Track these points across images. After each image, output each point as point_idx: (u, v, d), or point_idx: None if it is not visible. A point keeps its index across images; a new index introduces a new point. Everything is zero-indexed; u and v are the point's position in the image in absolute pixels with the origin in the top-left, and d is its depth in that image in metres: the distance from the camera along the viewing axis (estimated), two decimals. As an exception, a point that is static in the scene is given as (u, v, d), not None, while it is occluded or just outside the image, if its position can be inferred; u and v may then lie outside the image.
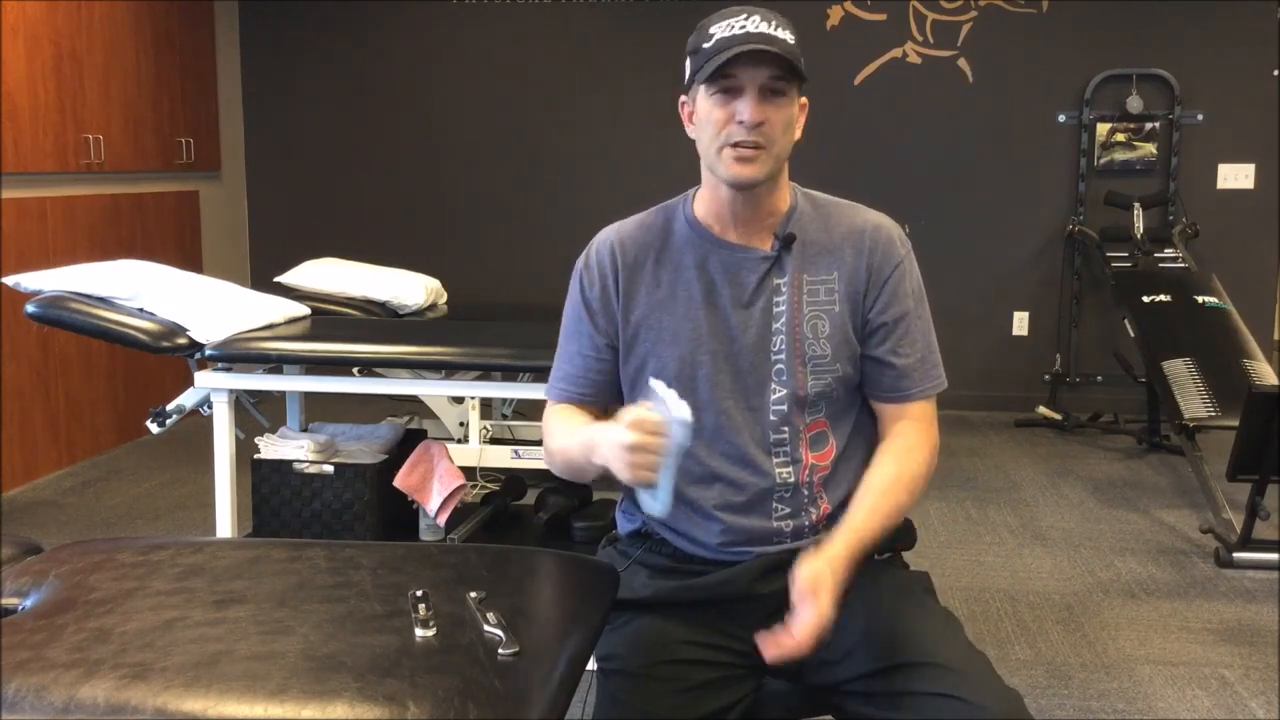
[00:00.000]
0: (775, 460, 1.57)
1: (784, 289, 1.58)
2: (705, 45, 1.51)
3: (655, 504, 1.38)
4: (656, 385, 1.39)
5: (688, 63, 1.56)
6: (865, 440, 1.64)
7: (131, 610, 1.31)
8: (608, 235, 1.66)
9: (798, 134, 1.56)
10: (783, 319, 1.58)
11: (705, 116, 1.53)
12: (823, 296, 1.58)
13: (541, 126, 5.91)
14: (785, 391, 1.57)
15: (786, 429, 1.57)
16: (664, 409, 1.34)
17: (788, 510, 1.58)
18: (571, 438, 1.57)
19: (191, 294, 2.96)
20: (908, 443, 1.58)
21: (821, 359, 1.57)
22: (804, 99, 1.56)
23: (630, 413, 1.36)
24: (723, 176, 1.54)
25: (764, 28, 1.49)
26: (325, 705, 1.10)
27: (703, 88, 1.52)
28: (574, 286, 1.66)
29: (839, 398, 1.59)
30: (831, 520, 1.61)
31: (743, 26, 1.49)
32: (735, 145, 1.50)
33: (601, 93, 5.84)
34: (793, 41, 1.51)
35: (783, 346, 1.57)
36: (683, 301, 1.60)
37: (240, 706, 1.10)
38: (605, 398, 1.67)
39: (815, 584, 1.37)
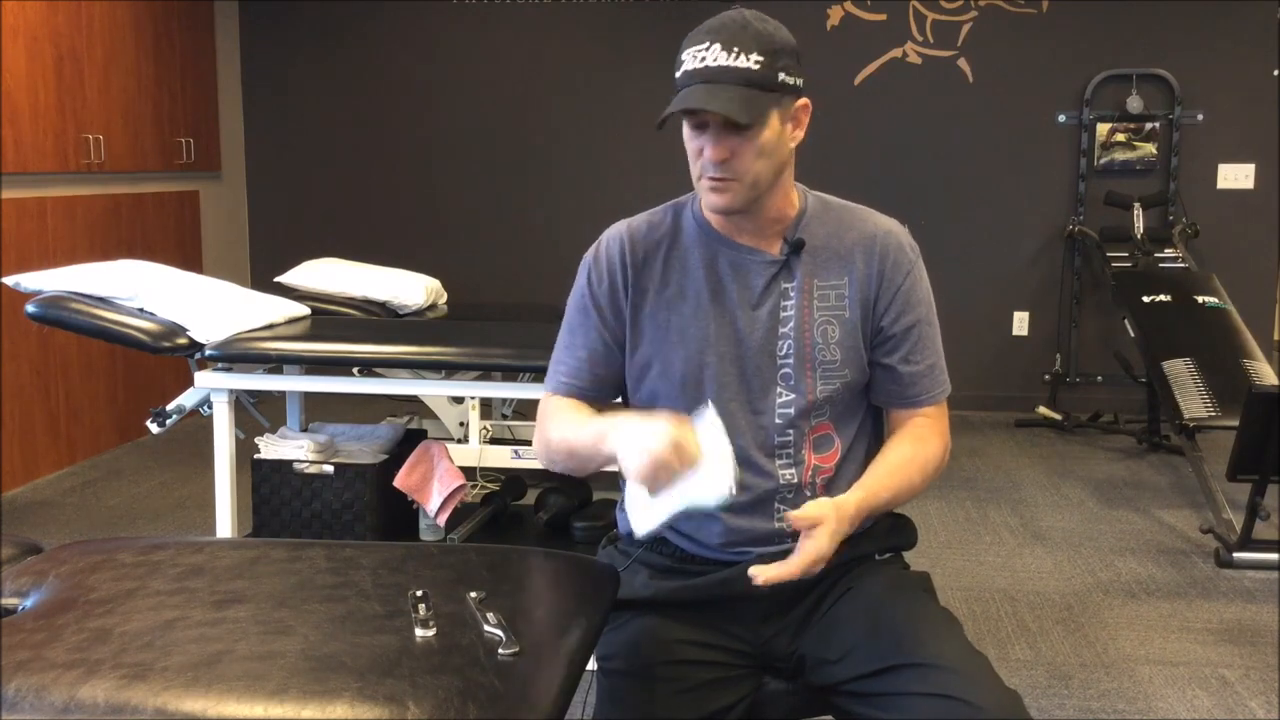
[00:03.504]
0: (779, 462, 1.57)
1: (792, 294, 1.57)
2: (677, 74, 1.50)
3: (643, 522, 1.37)
4: (714, 427, 1.38)
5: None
6: (869, 442, 1.64)
7: (131, 610, 1.31)
8: (618, 231, 1.65)
9: (800, 135, 1.54)
10: (791, 324, 1.57)
11: (686, 145, 1.53)
12: (833, 301, 1.58)
13: (541, 126, 5.91)
14: (793, 396, 1.56)
15: (791, 432, 1.57)
16: (713, 451, 1.34)
17: (789, 511, 1.58)
18: (581, 429, 1.56)
19: (191, 294, 2.96)
20: (921, 432, 1.60)
21: (831, 364, 1.57)
22: (804, 100, 1.53)
23: (677, 430, 1.35)
24: (703, 203, 1.56)
25: (722, 59, 1.45)
26: (325, 705, 1.10)
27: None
28: (581, 280, 1.65)
29: (844, 401, 1.59)
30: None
31: (702, 59, 1.46)
32: (708, 178, 1.51)
33: (601, 93, 5.84)
34: (757, 65, 1.45)
35: (790, 351, 1.57)
36: (691, 301, 1.59)
37: (240, 706, 1.10)
38: (606, 394, 1.67)
39: (819, 519, 1.40)
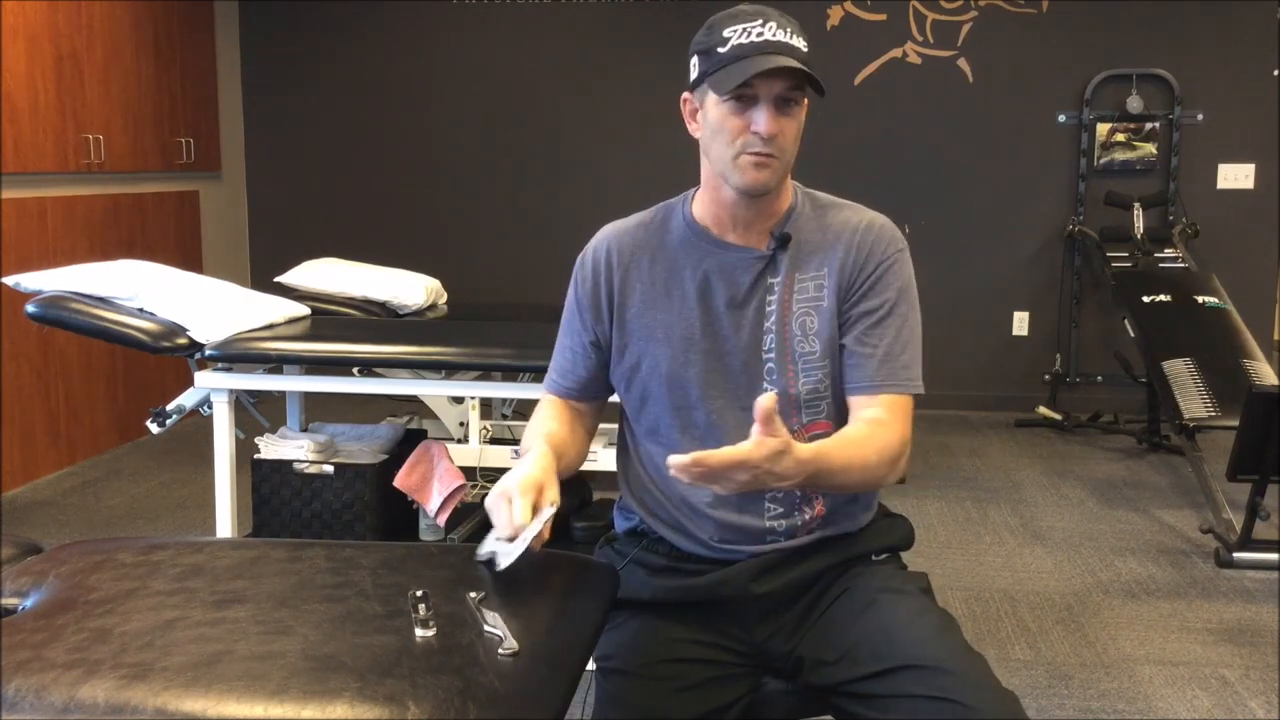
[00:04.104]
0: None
1: (776, 288, 1.58)
2: (720, 50, 1.49)
3: (491, 545, 1.41)
4: (546, 513, 1.40)
5: (694, 61, 1.55)
6: None
7: (131, 610, 1.31)
8: (605, 235, 1.67)
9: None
10: (773, 318, 1.57)
11: (718, 124, 1.52)
12: (812, 292, 1.58)
13: (541, 126, 5.91)
14: (775, 390, 1.56)
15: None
16: (530, 526, 1.38)
17: (780, 510, 1.58)
18: (526, 442, 1.62)
19: (191, 294, 2.96)
20: (877, 417, 1.53)
21: (810, 356, 1.57)
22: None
23: (518, 489, 1.40)
24: (736, 183, 1.53)
25: (780, 35, 1.49)
26: (325, 705, 1.10)
27: (712, 93, 1.51)
28: (571, 283, 1.69)
29: (835, 395, 1.59)
30: (826, 520, 1.61)
31: (760, 34, 1.48)
32: (752, 154, 1.50)
33: (601, 93, 5.84)
34: (806, 48, 1.51)
35: (772, 345, 1.57)
36: (677, 301, 1.60)
37: (240, 706, 1.10)
38: (590, 394, 1.70)
39: (778, 431, 1.30)
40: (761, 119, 1.48)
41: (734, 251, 1.59)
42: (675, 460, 1.29)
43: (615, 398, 1.72)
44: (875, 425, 1.53)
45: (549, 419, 1.66)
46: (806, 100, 1.54)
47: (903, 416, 1.55)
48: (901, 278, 1.59)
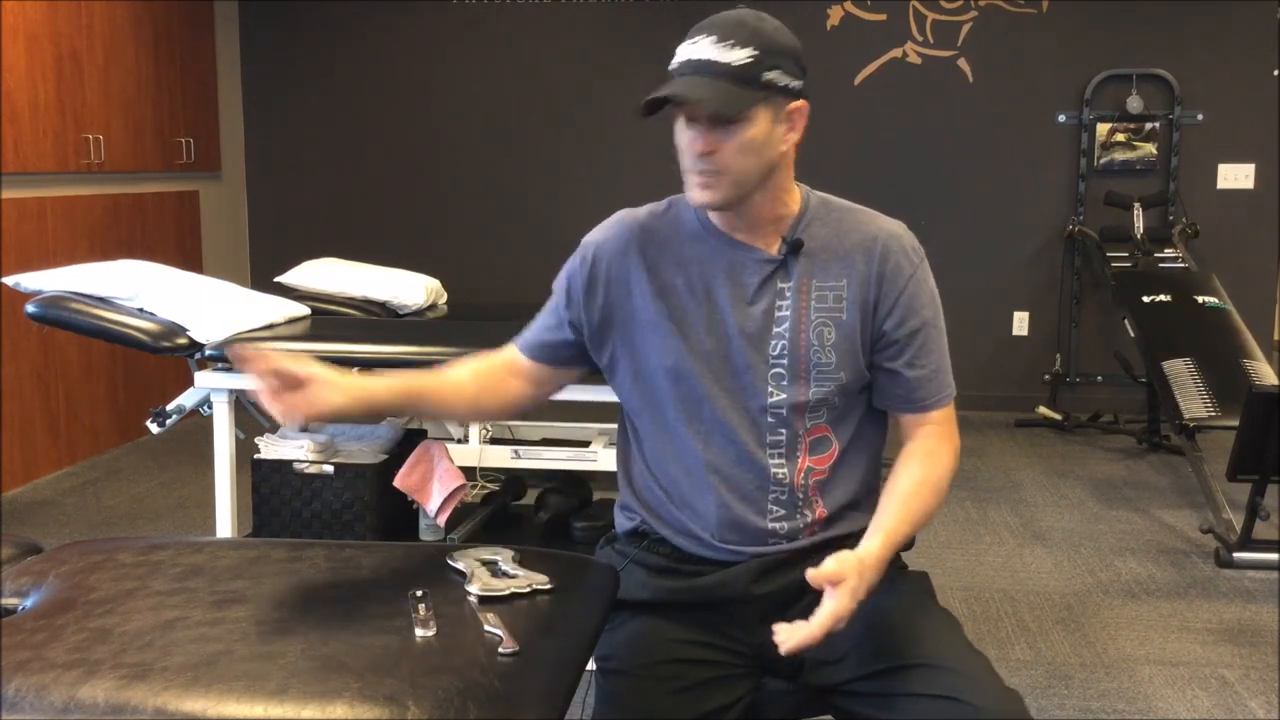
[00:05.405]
0: (771, 461, 1.57)
1: (788, 294, 1.57)
2: (671, 66, 1.51)
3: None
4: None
5: None
6: (866, 445, 1.63)
7: (131, 610, 1.31)
8: (618, 220, 1.66)
9: (794, 137, 1.53)
10: (786, 324, 1.56)
11: (676, 138, 1.53)
12: (831, 303, 1.57)
13: (541, 126, 5.91)
14: (784, 397, 1.56)
15: (784, 431, 1.56)
16: None
17: (782, 511, 1.58)
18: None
19: (191, 294, 2.96)
20: (930, 446, 1.58)
21: (825, 366, 1.56)
22: (798, 102, 1.52)
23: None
24: (689, 197, 1.55)
25: (712, 53, 1.46)
26: (325, 705, 1.10)
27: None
28: (575, 258, 1.67)
29: (841, 403, 1.58)
30: (828, 523, 1.61)
31: (687, 55, 1.48)
32: (694, 172, 1.51)
33: (601, 93, 5.84)
34: (746, 61, 1.45)
35: (784, 351, 1.56)
36: (683, 294, 1.59)
37: (240, 706, 1.10)
38: (540, 355, 1.69)
39: (839, 576, 1.36)
40: (686, 138, 1.50)
41: (743, 250, 1.59)
42: (786, 644, 1.35)
43: (615, 397, 1.71)
44: (927, 459, 1.57)
45: (467, 366, 1.68)
46: (797, 103, 1.52)
47: (952, 424, 1.62)
48: (928, 289, 1.60)
